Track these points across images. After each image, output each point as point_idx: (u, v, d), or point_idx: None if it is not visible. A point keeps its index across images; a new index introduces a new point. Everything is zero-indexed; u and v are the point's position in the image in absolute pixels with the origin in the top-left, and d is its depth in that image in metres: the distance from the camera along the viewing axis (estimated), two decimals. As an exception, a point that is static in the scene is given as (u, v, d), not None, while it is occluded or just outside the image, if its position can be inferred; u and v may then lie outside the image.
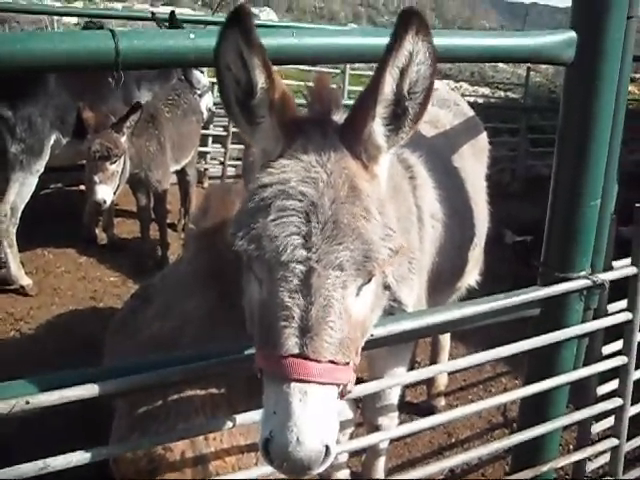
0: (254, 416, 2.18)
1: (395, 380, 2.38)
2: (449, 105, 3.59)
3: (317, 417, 1.46)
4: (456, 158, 3.22)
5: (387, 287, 2.21)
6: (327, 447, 1.47)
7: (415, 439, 4.02)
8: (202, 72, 7.18)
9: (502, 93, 14.61)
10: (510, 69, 17.39)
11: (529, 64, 11.87)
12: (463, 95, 12.60)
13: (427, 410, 4.17)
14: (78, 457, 1.88)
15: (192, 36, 1.86)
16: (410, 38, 1.55)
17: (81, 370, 1.97)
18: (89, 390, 1.83)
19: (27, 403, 1.76)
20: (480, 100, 12.87)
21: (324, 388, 1.49)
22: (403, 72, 1.61)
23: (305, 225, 1.53)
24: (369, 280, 1.62)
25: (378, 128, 1.68)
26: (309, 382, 1.47)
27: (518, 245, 7.09)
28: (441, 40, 2.26)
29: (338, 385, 1.54)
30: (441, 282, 2.92)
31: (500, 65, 17.09)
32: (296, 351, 1.48)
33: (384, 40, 1.69)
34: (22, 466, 1.80)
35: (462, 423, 4.21)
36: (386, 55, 1.58)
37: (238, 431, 2.59)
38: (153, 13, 6.98)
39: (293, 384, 1.47)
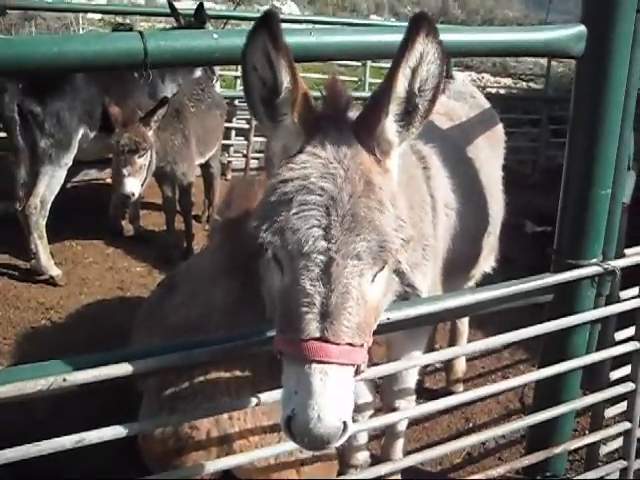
0: (276, 395, 2.28)
1: (412, 362, 2.48)
2: (465, 97, 3.68)
3: (336, 395, 1.58)
4: (470, 149, 3.30)
5: (401, 273, 2.31)
6: (345, 423, 1.60)
7: (433, 424, 4.11)
8: None
9: (524, 84, 14.56)
10: (533, 59, 17.27)
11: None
12: (485, 86, 12.60)
13: (445, 396, 4.24)
14: (111, 432, 2.00)
15: (215, 36, 1.98)
16: (421, 40, 1.67)
17: (114, 351, 2.10)
18: (122, 369, 1.96)
19: (64, 380, 1.89)
20: (502, 91, 12.85)
21: (342, 368, 1.61)
22: (414, 71, 1.72)
23: (325, 218, 1.64)
24: (382, 268, 1.73)
25: (390, 124, 1.79)
26: (329, 363, 1.59)
27: (538, 235, 7.14)
28: (454, 36, 2.37)
29: (354, 365, 1.66)
30: (456, 269, 3.01)
31: (522, 55, 17.03)
32: (317, 335, 1.60)
33: (398, 37, 1.80)
34: (60, 439, 1.93)
35: (480, 409, 4.28)
36: (399, 56, 1.70)
37: (261, 411, 2.70)
38: (172, 7, 7.10)
39: (314, 365, 1.58)
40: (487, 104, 3.89)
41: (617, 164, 2.80)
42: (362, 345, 1.67)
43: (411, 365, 2.53)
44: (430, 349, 4.60)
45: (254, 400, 2.27)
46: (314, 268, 1.63)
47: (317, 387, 1.56)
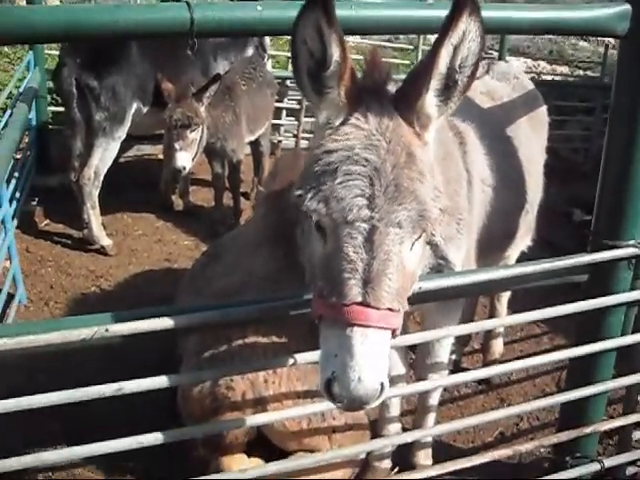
0: (311, 357, 2.35)
1: (443, 331, 2.52)
2: (508, 78, 3.68)
3: (375, 358, 1.68)
4: (510, 128, 3.31)
5: (435, 246, 2.37)
6: (382, 384, 1.69)
7: (468, 402, 4.15)
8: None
9: (581, 72, 14.25)
10: (592, 47, 16.90)
11: (609, 40, 11.58)
12: (541, 73, 12.41)
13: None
14: (149, 382, 2.11)
15: (259, 8, 2.05)
16: (464, 19, 1.73)
17: (156, 307, 2.21)
18: (162, 323, 2.05)
19: (106, 331, 1.99)
20: (557, 78, 12.62)
21: (381, 332, 1.71)
22: (456, 48, 1.79)
23: (369, 188, 1.72)
24: (420, 236, 1.82)
25: (430, 99, 1.86)
26: (369, 327, 1.68)
27: (586, 223, 7.06)
28: (496, 13, 2.39)
29: (391, 329, 1.75)
30: (491, 245, 3.04)
31: (580, 43, 16.65)
32: (359, 299, 1.69)
33: (437, 13, 1.85)
34: (101, 387, 2.04)
35: (515, 390, 4.31)
36: (442, 33, 1.76)
37: (295, 377, 2.80)
38: None
39: (356, 328, 1.67)
40: (531, 85, 3.89)
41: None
42: (399, 310, 1.76)
43: (442, 335, 2.57)
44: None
45: (289, 361, 2.33)
46: (357, 235, 1.71)
47: (358, 349, 1.65)
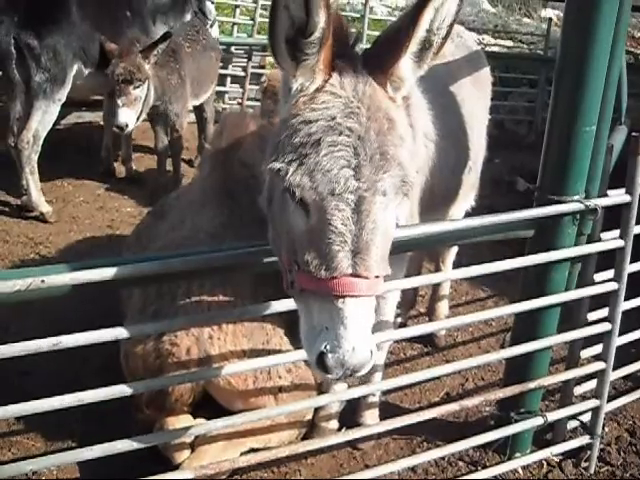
0: (256, 311, 2.31)
1: (390, 284, 2.49)
2: (452, 36, 3.65)
3: (366, 327, 1.69)
4: (453, 84, 3.30)
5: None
6: (371, 351, 1.69)
7: (414, 364, 4.15)
8: (213, 2, 7.41)
9: (525, 46, 14.40)
10: (535, 24, 17.09)
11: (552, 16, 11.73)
12: (486, 45, 12.49)
13: (428, 338, 4.28)
14: (88, 336, 2.03)
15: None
16: None
17: (95, 260, 2.13)
18: (100, 274, 1.98)
19: (42, 282, 1.90)
20: (502, 51, 12.73)
21: (369, 300, 1.71)
22: (437, 11, 1.77)
23: (354, 158, 1.68)
24: (400, 201, 1.79)
25: (406, 62, 1.84)
26: (360, 296, 1.66)
27: (529, 192, 7.16)
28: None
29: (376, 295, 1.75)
30: (435, 202, 3.02)
31: (524, 19, 16.84)
32: (350, 271, 1.66)
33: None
34: (37, 341, 1.96)
35: (461, 352, 4.34)
36: None
37: (241, 333, 2.75)
38: None
39: (347, 300, 1.65)
40: (475, 45, 3.89)
41: (603, 103, 2.80)
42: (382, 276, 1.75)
43: (389, 287, 2.54)
44: (415, 295, 4.66)
45: (234, 313, 2.29)
46: (345, 208, 1.68)
47: (351, 321, 1.64)
